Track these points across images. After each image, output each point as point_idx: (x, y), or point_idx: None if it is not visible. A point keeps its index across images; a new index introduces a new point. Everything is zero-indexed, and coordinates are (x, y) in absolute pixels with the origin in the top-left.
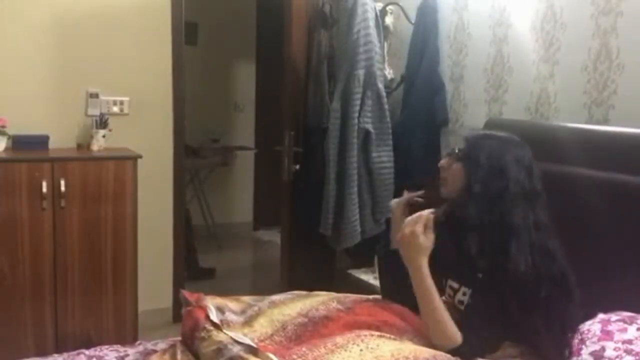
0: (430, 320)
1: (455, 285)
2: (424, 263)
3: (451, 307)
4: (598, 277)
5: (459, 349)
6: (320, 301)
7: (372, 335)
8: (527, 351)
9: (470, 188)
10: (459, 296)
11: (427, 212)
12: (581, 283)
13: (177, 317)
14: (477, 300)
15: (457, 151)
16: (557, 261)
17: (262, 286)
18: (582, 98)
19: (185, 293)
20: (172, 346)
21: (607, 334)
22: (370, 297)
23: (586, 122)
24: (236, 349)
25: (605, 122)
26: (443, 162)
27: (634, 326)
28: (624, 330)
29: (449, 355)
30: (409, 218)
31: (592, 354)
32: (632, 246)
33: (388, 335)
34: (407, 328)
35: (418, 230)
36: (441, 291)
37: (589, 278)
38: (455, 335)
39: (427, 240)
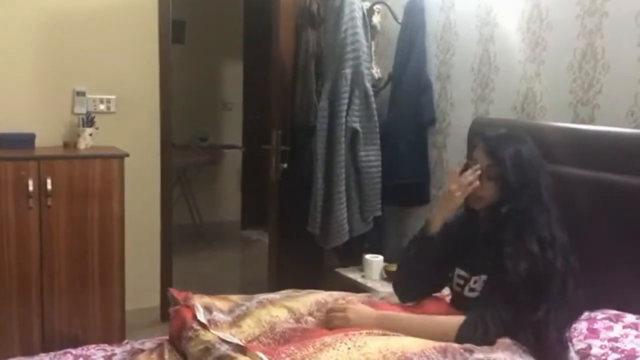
0: (429, 328)
1: (465, 275)
2: (374, 316)
3: (460, 297)
4: (585, 274)
5: (466, 326)
6: (308, 311)
7: (360, 333)
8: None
9: (503, 207)
10: (471, 284)
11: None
12: None
13: (164, 316)
14: (493, 284)
15: (488, 166)
16: (573, 256)
17: (250, 285)
18: (567, 97)
19: (173, 291)
20: (160, 345)
21: (593, 332)
22: (360, 299)
23: (572, 121)
24: (224, 348)
25: (591, 121)
26: (475, 181)
27: (620, 324)
28: (610, 328)
29: (437, 349)
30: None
31: (578, 352)
32: (619, 244)
33: (377, 331)
34: None
35: (342, 318)
36: (443, 283)
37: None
38: (450, 320)
39: (350, 311)
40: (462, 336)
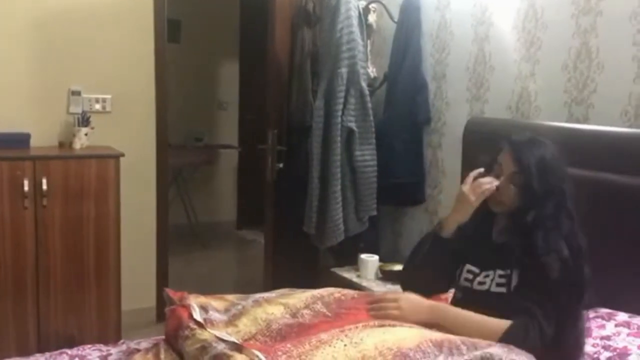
0: (475, 328)
1: (475, 270)
2: (427, 307)
3: (468, 291)
4: None
5: (512, 331)
6: (305, 304)
7: (356, 327)
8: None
9: (527, 213)
10: (480, 278)
11: (489, 184)
12: None
13: (160, 316)
14: (522, 285)
15: (514, 173)
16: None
17: (246, 285)
18: (562, 97)
19: (169, 291)
20: (156, 345)
21: (585, 331)
22: (355, 293)
23: (566, 121)
24: (220, 347)
25: (585, 120)
26: (500, 184)
27: (612, 322)
28: (602, 327)
29: (433, 343)
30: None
31: None
32: (612, 243)
33: (372, 323)
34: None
35: (396, 310)
36: (451, 282)
37: None
38: (500, 322)
39: (405, 302)
40: (506, 339)
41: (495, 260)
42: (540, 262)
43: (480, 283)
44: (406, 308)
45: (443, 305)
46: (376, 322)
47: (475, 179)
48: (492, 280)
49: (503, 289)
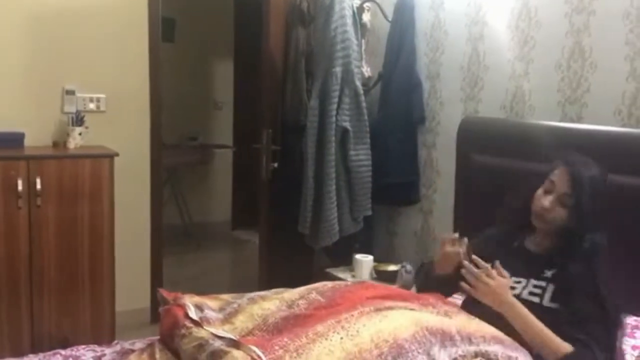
0: (538, 340)
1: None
2: (511, 298)
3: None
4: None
5: (572, 357)
6: (299, 295)
7: (352, 315)
8: None
9: (574, 234)
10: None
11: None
12: None
13: (155, 317)
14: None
15: (565, 194)
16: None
17: (241, 286)
18: (556, 96)
19: (163, 292)
20: (150, 345)
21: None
22: (350, 282)
23: (560, 120)
24: (217, 344)
25: (579, 120)
26: (547, 203)
27: None
28: None
29: (429, 331)
30: (469, 272)
31: None
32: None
33: (368, 309)
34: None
35: (489, 281)
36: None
37: None
38: (562, 344)
39: (502, 280)
40: None
41: (528, 269)
42: (597, 291)
43: (511, 287)
44: (493, 287)
45: (519, 306)
46: (372, 308)
47: (444, 243)
48: (524, 287)
49: (536, 299)
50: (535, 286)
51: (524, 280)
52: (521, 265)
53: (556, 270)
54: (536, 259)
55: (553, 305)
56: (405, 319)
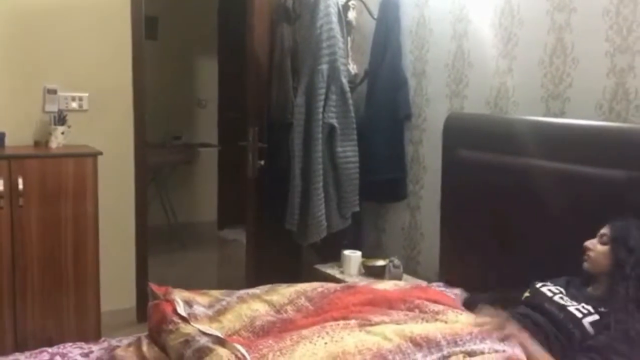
0: None
1: (561, 290)
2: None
3: (541, 295)
4: (555, 265)
5: None
6: (288, 300)
7: (337, 324)
8: None
9: (618, 269)
10: (562, 296)
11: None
12: (535, 270)
13: (141, 317)
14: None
15: (603, 234)
16: None
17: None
18: (539, 91)
19: (153, 286)
20: (137, 339)
21: None
22: (338, 285)
23: (543, 115)
24: (203, 340)
25: (562, 114)
26: (589, 242)
27: None
28: None
29: (413, 342)
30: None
31: None
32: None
33: (353, 322)
34: (375, 310)
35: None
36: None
37: (545, 265)
38: None
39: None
40: None
41: (584, 300)
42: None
43: (561, 298)
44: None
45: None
46: (356, 322)
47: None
48: (572, 304)
49: (579, 314)
50: (584, 308)
51: (576, 303)
52: (578, 296)
53: (605, 309)
54: (593, 298)
55: (589, 328)
56: (390, 332)
